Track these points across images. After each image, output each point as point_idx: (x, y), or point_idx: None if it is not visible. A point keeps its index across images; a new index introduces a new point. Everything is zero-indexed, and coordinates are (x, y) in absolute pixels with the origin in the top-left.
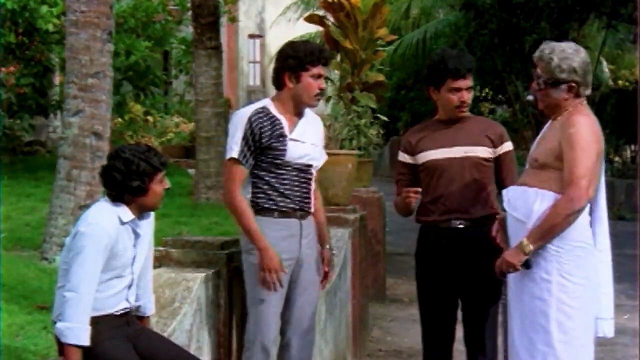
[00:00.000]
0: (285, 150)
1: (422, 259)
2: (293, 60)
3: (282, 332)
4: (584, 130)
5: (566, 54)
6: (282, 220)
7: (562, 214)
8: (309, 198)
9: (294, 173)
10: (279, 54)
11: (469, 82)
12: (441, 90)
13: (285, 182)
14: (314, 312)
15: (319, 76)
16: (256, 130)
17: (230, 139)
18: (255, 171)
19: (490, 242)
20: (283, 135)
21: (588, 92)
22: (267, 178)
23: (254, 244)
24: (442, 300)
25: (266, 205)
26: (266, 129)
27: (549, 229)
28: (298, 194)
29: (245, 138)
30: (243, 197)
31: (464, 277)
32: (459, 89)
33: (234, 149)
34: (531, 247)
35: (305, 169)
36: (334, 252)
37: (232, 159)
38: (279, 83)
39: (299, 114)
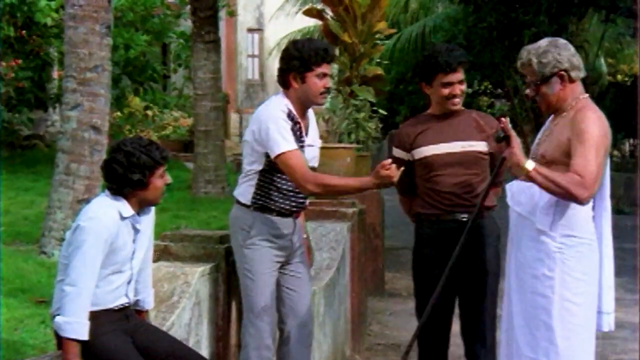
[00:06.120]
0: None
1: (421, 252)
2: (298, 61)
3: (281, 326)
4: (596, 127)
5: (542, 49)
6: (279, 219)
7: (567, 189)
8: (306, 198)
9: None
10: (283, 54)
11: (460, 75)
12: (433, 85)
13: (291, 184)
14: (309, 305)
15: (324, 75)
16: (292, 129)
17: (274, 134)
18: (263, 173)
19: (488, 233)
20: (302, 141)
21: (582, 74)
22: (274, 180)
23: (366, 188)
24: (442, 294)
25: (266, 205)
26: (294, 130)
27: (550, 182)
28: (299, 195)
29: (290, 131)
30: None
31: (466, 269)
32: (450, 83)
33: (289, 139)
34: (529, 167)
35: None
36: (333, 245)
37: (290, 150)
38: (284, 83)
39: (305, 114)
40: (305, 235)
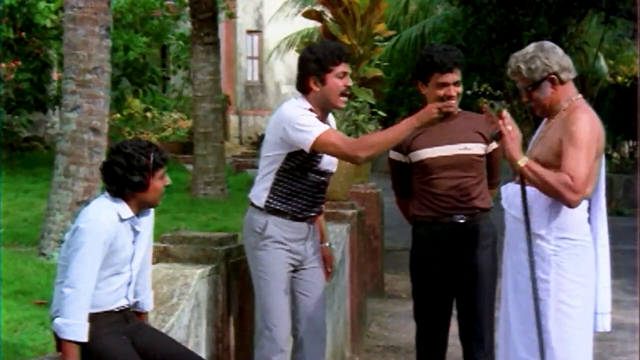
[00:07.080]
0: (322, 156)
1: (419, 254)
2: (315, 64)
3: (294, 333)
4: (587, 129)
5: (529, 55)
6: (293, 223)
7: (556, 189)
8: (322, 203)
9: (319, 179)
10: (300, 60)
11: (456, 76)
12: (429, 85)
13: (307, 187)
14: (322, 310)
15: (344, 74)
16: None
17: (301, 127)
18: (279, 174)
19: (485, 235)
20: None
21: (572, 75)
22: (289, 182)
23: (412, 126)
24: (440, 296)
25: (280, 209)
26: None
27: (540, 180)
28: (314, 199)
29: (316, 119)
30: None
31: (463, 271)
32: (446, 84)
33: (317, 123)
34: (521, 163)
35: (328, 174)
36: (333, 247)
37: (324, 131)
38: (304, 88)
39: (325, 119)
40: (327, 243)
